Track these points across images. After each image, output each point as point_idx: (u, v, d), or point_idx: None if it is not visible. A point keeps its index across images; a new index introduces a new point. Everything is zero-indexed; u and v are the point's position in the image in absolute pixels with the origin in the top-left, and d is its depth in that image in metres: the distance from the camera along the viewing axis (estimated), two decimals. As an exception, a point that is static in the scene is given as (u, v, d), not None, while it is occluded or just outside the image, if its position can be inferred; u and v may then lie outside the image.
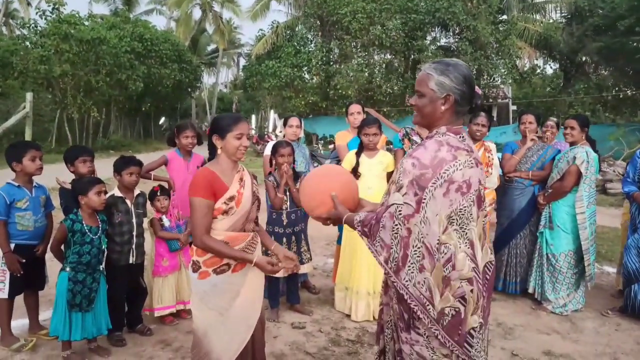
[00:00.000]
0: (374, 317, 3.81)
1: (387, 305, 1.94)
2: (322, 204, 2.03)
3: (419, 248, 1.68)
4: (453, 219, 1.70)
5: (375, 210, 1.87)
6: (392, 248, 1.71)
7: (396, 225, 1.70)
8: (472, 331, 1.73)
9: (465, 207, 1.71)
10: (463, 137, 1.80)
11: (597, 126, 15.23)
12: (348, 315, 3.97)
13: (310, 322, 3.87)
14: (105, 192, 3.22)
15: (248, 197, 2.48)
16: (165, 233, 3.71)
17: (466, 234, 1.73)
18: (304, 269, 4.01)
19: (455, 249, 1.70)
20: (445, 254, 1.69)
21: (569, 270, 4.22)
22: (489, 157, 4.35)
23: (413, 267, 1.69)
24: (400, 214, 1.69)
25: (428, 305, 1.69)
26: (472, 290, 1.72)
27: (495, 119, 23.23)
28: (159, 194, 3.77)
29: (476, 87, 1.85)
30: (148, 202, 3.71)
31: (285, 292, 4.11)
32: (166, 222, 3.75)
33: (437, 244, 1.68)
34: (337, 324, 3.87)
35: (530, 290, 4.39)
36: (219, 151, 2.43)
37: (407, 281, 1.70)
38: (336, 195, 2.00)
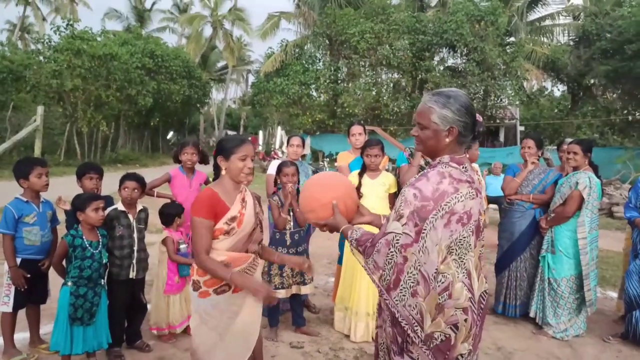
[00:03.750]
0: (372, 338, 3.80)
1: (380, 328, 1.96)
2: (318, 210, 2.05)
3: (414, 275, 1.71)
4: (452, 249, 1.73)
5: (372, 230, 1.90)
6: (384, 271, 1.75)
7: (391, 252, 1.72)
8: (459, 357, 1.75)
9: (464, 237, 1.74)
10: (465, 167, 1.82)
11: (605, 149, 15.24)
12: (347, 336, 3.97)
13: (308, 342, 3.87)
14: (104, 209, 3.25)
15: (250, 218, 2.49)
16: (180, 257, 3.71)
17: (464, 263, 1.76)
18: (306, 289, 4.00)
19: (453, 279, 1.72)
20: (443, 282, 1.71)
21: (571, 295, 4.19)
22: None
23: (405, 291, 1.72)
24: (397, 243, 1.71)
25: (417, 326, 1.72)
26: (466, 320, 1.74)
27: (502, 139, 23.27)
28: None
29: (477, 115, 1.86)
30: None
31: (284, 310, 4.12)
32: (183, 247, 3.73)
33: (435, 272, 1.71)
34: (336, 344, 3.86)
35: (532, 315, 4.36)
36: (223, 172, 2.47)
37: (397, 301, 1.74)
38: (337, 204, 2.02)
